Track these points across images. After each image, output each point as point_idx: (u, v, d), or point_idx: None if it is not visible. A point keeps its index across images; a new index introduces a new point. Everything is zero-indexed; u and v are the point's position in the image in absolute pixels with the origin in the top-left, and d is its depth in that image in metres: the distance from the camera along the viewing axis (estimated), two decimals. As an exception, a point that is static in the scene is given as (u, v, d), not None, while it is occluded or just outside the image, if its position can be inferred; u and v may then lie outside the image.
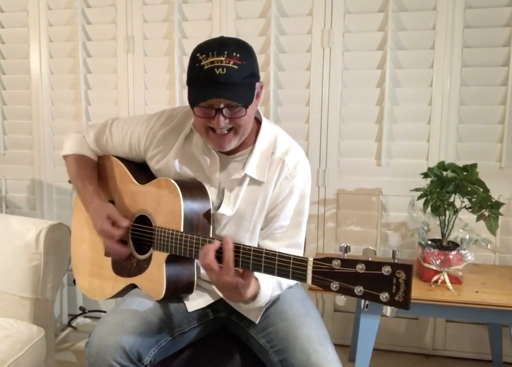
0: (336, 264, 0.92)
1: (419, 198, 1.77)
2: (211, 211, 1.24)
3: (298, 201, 1.25)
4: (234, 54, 1.08)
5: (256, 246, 1.23)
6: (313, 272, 0.95)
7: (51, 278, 1.68)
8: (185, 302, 1.27)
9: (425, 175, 1.79)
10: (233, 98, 1.08)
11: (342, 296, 0.93)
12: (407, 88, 2.00)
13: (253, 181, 1.23)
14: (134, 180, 1.34)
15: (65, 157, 1.44)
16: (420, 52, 1.97)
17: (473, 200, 1.67)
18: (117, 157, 1.41)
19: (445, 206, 1.69)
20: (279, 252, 1.00)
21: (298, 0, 2.04)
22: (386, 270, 0.87)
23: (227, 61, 1.07)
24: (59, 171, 2.35)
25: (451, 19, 1.91)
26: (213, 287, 1.30)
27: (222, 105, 1.09)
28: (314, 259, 0.95)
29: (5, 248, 1.67)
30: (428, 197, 1.72)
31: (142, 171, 1.38)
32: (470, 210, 1.69)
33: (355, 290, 0.90)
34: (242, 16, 2.09)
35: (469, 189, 1.65)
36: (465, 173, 1.70)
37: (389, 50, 1.97)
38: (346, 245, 0.95)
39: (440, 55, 1.94)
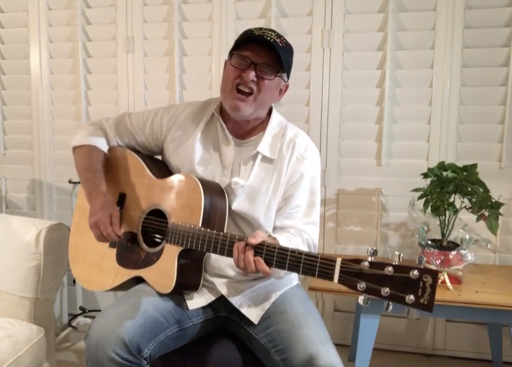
0: (365, 265, 0.97)
1: (419, 198, 1.77)
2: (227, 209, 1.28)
3: (310, 182, 1.34)
4: (282, 38, 1.26)
5: (271, 225, 1.32)
6: (340, 271, 0.99)
7: (51, 278, 1.68)
8: (186, 300, 1.28)
9: (425, 175, 1.79)
10: (275, 48, 1.20)
11: (366, 297, 0.96)
12: (407, 88, 2.00)
13: (265, 159, 1.32)
14: (150, 174, 1.34)
15: (76, 147, 1.43)
16: (420, 52, 1.97)
17: (473, 200, 1.67)
18: (132, 150, 1.42)
19: (445, 206, 1.69)
20: (305, 251, 1.05)
21: (298, 0, 2.04)
22: (413, 274, 0.92)
23: (276, 37, 1.23)
24: (59, 170, 2.36)
25: (451, 19, 1.92)
26: (214, 282, 1.31)
27: (259, 60, 1.21)
28: (342, 259, 1.00)
29: (5, 249, 1.67)
30: (428, 197, 1.72)
31: (157, 166, 1.40)
32: (470, 210, 1.69)
33: (382, 291, 0.94)
34: (242, 16, 2.09)
35: (469, 189, 1.65)
36: (465, 173, 1.69)
37: (389, 50, 1.97)
38: (373, 249, 0.98)
39: (440, 55, 1.94)
